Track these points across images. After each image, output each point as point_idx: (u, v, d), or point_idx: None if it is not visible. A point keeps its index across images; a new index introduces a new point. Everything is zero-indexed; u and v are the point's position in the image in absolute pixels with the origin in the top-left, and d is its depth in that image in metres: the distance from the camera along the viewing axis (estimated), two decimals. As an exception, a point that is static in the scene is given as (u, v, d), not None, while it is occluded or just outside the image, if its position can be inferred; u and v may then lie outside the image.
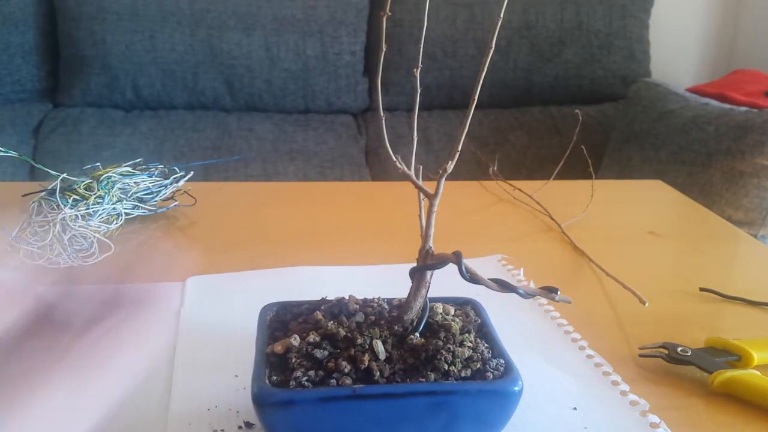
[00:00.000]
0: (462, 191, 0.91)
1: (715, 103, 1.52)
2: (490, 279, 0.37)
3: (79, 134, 1.70)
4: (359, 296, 0.45)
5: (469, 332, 0.41)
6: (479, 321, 0.44)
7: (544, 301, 0.60)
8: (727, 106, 1.49)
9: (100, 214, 0.70)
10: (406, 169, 0.40)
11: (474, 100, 0.37)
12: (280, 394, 0.36)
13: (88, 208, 0.69)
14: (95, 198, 0.70)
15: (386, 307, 0.44)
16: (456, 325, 0.41)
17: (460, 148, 0.39)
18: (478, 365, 0.39)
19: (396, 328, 0.41)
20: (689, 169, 1.43)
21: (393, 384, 0.38)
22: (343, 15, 1.83)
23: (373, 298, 0.45)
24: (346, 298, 0.44)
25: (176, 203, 0.79)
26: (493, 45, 0.36)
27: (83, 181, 0.72)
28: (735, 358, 0.51)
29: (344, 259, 0.67)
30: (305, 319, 0.43)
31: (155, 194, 0.77)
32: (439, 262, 0.39)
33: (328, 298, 0.45)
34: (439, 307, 0.44)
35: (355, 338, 0.39)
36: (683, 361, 0.50)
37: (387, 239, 0.74)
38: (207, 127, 1.76)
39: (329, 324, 0.41)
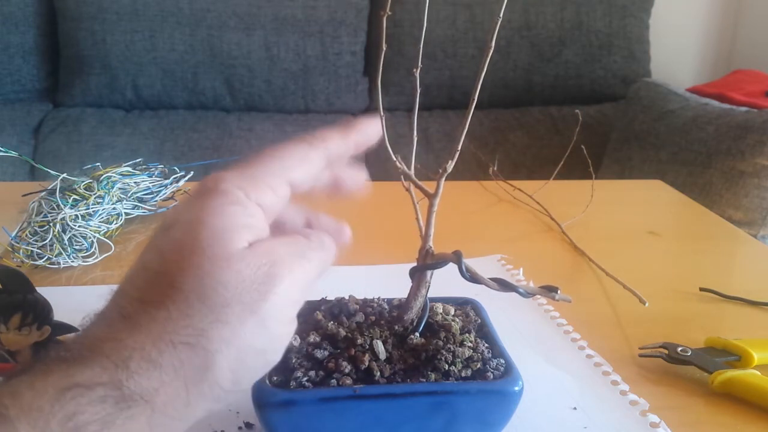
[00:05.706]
0: (462, 191, 0.91)
1: (715, 103, 1.52)
2: (489, 278, 0.37)
3: (79, 134, 1.70)
4: (359, 296, 0.45)
5: (469, 332, 0.41)
6: (479, 321, 0.44)
7: (543, 301, 0.60)
8: (727, 106, 1.49)
9: (100, 214, 0.70)
10: (405, 168, 0.40)
11: (474, 99, 0.37)
12: (281, 394, 0.36)
13: (88, 208, 0.69)
14: (95, 198, 0.70)
15: (386, 307, 0.44)
16: (456, 325, 0.41)
17: (459, 148, 0.39)
18: (479, 365, 0.39)
19: (396, 328, 0.41)
20: (689, 169, 1.42)
21: (393, 384, 0.38)
22: (343, 15, 1.83)
23: (373, 298, 0.45)
24: (346, 298, 0.44)
25: (176, 203, 0.79)
26: (493, 44, 0.36)
27: (83, 181, 0.72)
28: (735, 358, 0.51)
29: (344, 259, 0.67)
30: (305, 319, 0.43)
31: (155, 194, 0.77)
32: (439, 261, 0.39)
33: (327, 298, 0.45)
34: (439, 307, 0.44)
35: (355, 338, 0.39)
36: (683, 361, 0.50)
37: (387, 239, 0.74)
38: (207, 127, 1.76)
39: (329, 324, 0.41)
